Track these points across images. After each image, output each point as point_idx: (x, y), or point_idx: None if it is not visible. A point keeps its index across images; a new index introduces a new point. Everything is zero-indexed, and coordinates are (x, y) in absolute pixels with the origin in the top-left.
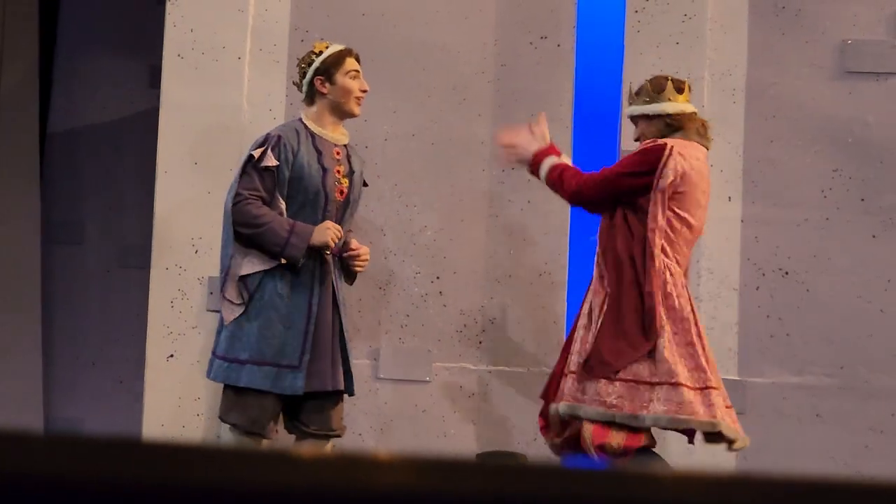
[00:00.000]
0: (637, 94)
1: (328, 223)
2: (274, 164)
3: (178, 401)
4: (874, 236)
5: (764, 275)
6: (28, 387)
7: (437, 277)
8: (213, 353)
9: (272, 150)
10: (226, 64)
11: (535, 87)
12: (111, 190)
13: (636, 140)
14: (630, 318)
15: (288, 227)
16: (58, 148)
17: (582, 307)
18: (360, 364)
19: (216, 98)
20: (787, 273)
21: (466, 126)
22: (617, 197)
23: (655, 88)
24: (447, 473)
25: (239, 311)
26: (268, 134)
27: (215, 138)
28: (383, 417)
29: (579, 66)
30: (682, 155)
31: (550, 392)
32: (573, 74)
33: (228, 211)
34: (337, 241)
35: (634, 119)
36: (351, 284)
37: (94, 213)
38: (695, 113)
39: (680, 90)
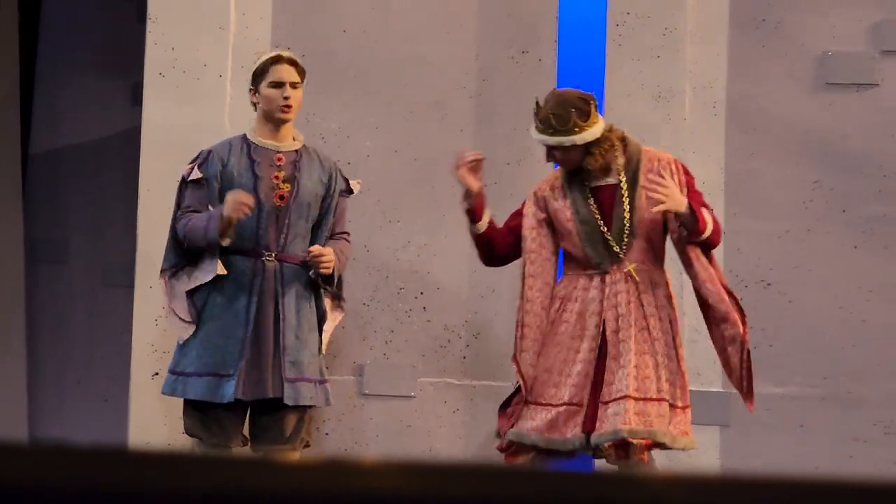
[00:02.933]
0: (563, 125)
1: (231, 192)
2: (199, 177)
3: (163, 419)
4: (855, 247)
5: (746, 286)
6: (13, 405)
7: (421, 293)
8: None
9: (199, 166)
10: (207, 82)
11: (517, 102)
12: (94, 208)
13: (557, 161)
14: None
15: (206, 216)
16: (40, 167)
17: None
18: (344, 380)
19: (198, 116)
20: (769, 284)
21: (448, 141)
22: None
23: (581, 116)
24: (433, 477)
25: (191, 328)
26: (201, 150)
27: None
28: (368, 433)
29: (560, 80)
30: None
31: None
32: (555, 89)
33: (171, 227)
34: (245, 205)
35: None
36: (332, 287)
37: (77, 232)
38: None
39: (597, 107)
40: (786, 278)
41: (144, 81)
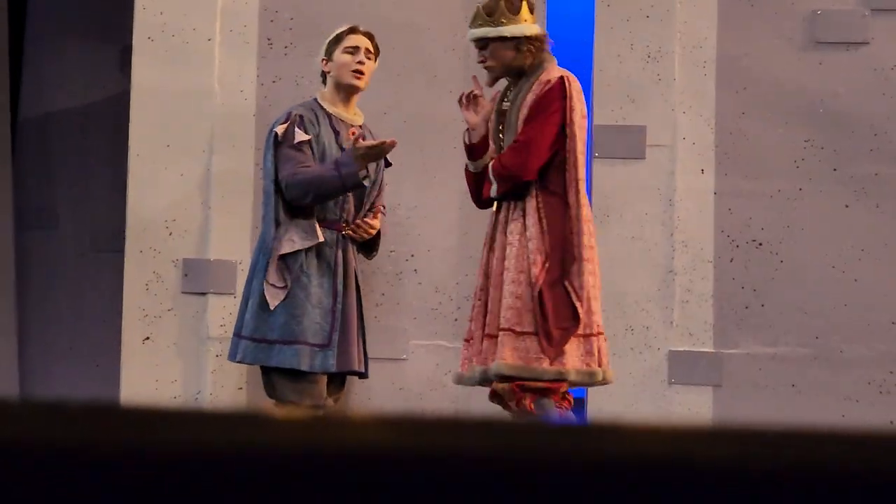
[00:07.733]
0: (490, 14)
1: (351, 148)
2: (307, 138)
3: (154, 384)
4: (847, 206)
5: (738, 246)
6: (3, 372)
7: (412, 255)
8: (239, 335)
9: (299, 126)
10: (196, 46)
11: None
12: (84, 174)
13: (484, 64)
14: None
15: (333, 167)
16: (29, 133)
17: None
18: None
19: (187, 80)
20: (760, 244)
21: (437, 103)
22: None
23: (511, 9)
24: (422, 431)
25: (283, 294)
26: (288, 112)
27: (187, 120)
28: (360, 396)
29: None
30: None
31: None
32: None
33: (269, 192)
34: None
35: (485, 42)
36: (369, 258)
37: (67, 198)
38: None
39: (531, 10)
40: (777, 238)
41: (133, 46)
